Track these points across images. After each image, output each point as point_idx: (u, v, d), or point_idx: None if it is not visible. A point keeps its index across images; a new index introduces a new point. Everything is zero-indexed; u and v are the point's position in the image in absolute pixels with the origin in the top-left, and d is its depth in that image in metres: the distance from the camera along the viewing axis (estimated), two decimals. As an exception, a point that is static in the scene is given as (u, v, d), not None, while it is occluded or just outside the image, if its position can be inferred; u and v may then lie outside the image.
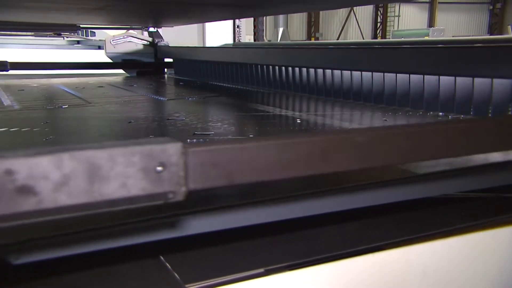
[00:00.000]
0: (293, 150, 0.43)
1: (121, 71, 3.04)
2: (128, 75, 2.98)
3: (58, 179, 0.33)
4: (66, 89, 2.03)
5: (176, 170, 0.38)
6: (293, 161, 0.43)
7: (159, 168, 0.37)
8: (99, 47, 4.62)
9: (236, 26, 5.88)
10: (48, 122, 1.10)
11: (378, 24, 18.82)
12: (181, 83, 2.45)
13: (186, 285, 0.45)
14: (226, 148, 0.40)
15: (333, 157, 0.44)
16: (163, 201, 0.38)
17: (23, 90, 1.99)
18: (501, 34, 17.15)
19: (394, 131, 0.48)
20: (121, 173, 0.36)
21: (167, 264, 0.49)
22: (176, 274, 0.47)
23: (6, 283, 0.46)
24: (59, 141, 0.89)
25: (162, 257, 0.50)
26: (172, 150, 0.37)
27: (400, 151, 0.47)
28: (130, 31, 3.06)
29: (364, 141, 0.45)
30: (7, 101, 1.59)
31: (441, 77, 1.22)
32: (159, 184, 0.37)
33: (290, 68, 1.81)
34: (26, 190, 0.33)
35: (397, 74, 1.36)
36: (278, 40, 11.96)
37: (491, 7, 19.42)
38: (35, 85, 2.23)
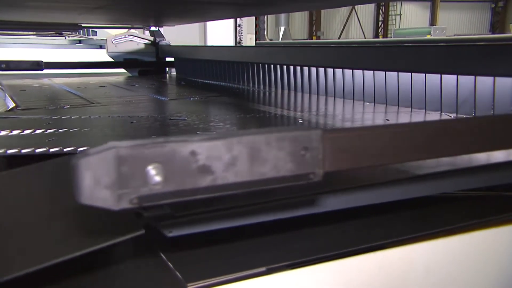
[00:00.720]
0: (411, 137, 0.48)
1: (122, 70, 3.04)
2: (129, 74, 2.98)
3: (228, 160, 0.39)
4: (68, 89, 2.04)
5: (316, 154, 0.43)
6: (410, 147, 0.48)
7: (303, 152, 0.42)
8: (101, 47, 4.63)
9: (237, 25, 5.87)
10: (50, 123, 1.10)
11: (380, 23, 18.80)
12: (182, 82, 2.45)
13: (188, 284, 0.45)
14: (355, 134, 0.46)
15: (445, 144, 0.50)
16: (305, 181, 0.43)
17: (25, 90, 1.99)
18: (503, 32, 17.11)
19: (491, 120, 0.53)
20: (274, 156, 0.41)
21: (169, 263, 0.49)
22: (178, 273, 0.47)
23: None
24: (62, 142, 0.89)
25: (163, 256, 0.50)
26: (314, 135, 0.42)
27: (497, 140, 0.52)
28: (132, 30, 3.06)
29: (464, 129, 0.50)
30: (9, 102, 1.59)
31: (443, 75, 1.22)
32: (303, 166, 0.42)
33: (291, 67, 1.81)
34: (204, 169, 0.38)
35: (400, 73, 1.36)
36: (280, 39, 11.95)
37: (493, 5, 19.38)
38: (36, 85, 2.23)
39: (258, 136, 0.40)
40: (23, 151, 0.79)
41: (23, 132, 0.97)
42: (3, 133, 0.96)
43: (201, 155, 0.38)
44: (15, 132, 0.97)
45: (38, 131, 0.98)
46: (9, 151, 0.79)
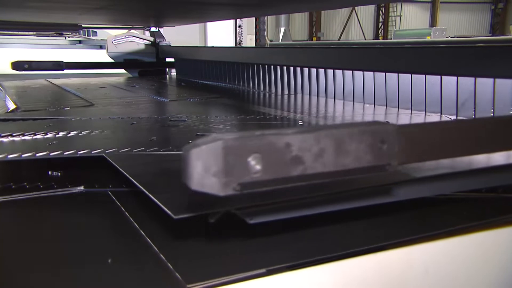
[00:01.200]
0: (479, 132, 0.52)
1: (122, 71, 3.05)
2: (130, 75, 2.98)
3: (316, 151, 0.42)
4: (68, 90, 2.04)
5: (392, 146, 0.46)
6: (477, 141, 0.53)
7: (380, 145, 0.45)
8: (101, 47, 4.63)
9: (237, 26, 5.87)
10: (51, 126, 1.10)
11: (380, 24, 18.81)
12: (182, 83, 2.45)
13: (188, 285, 0.45)
14: (427, 129, 0.50)
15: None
16: (381, 172, 0.46)
17: (25, 91, 1.98)
18: (503, 33, 17.13)
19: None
20: (356, 148, 0.44)
21: (169, 264, 0.49)
22: (177, 274, 0.47)
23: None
24: (63, 145, 0.89)
25: (163, 257, 0.50)
26: (391, 130, 0.46)
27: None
28: (132, 30, 3.06)
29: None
30: (9, 103, 1.59)
31: (443, 77, 1.22)
32: (380, 158, 0.46)
33: (292, 68, 1.81)
34: (297, 160, 0.41)
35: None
36: (280, 40, 11.96)
37: (493, 7, 19.39)
38: (37, 86, 2.23)
39: (343, 130, 0.43)
40: (24, 155, 0.79)
41: (23, 135, 0.97)
42: (4, 135, 0.96)
43: (294, 147, 0.41)
44: (15, 135, 0.97)
45: (38, 134, 0.98)
46: (10, 156, 0.79)
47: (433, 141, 0.50)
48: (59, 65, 2.68)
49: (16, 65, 2.58)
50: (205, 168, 0.39)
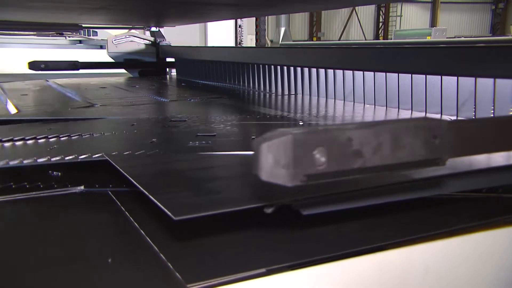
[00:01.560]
0: None
1: (122, 71, 3.05)
2: (130, 75, 2.98)
3: (375, 145, 0.44)
4: (68, 91, 2.04)
5: (444, 141, 0.48)
6: None
7: (433, 139, 0.47)
8: (101, 47, 4.64)
9: (238, 26, 5.88)
10: (52, 129, 1.10)
11: (380, 24, 18.82)
12: (183, 83, 2.45)
13: (188, 285, 0.45)
14: (476, 125, 0.52)
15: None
16: (433, 166, 0.48)
17: (26, 94, 1.97)
18: (503, 34, 17.13)
19: None
20: (411, 142, 0.46)
21: (169, 264, 0.49)
22: (177, 274, 0.47)
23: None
24: (63, 149, 0.88)
25: (163, 257, 0.51)
26: (443, 125, 0.48)
27: None
28: (132, 30, 3.06)
29: None
30: (10, 106, 1.59)
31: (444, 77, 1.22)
32: (432, 152, 0.48)
33: (292, 68, 1.81)
34: (357, 153, 0.44)
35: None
36: (280, 40, 11.96)
37: (493, 7, 19.40)
38: (38, 87, 2.23)
39: (399, 125, 0.46)
40: (25, 161, 0.79)
41: (24, 139, 0.97)
42: (5, 140, 0.96)
43: (355, 141, 0.43)
44: (16, 139, 0.97)
45: (39, 138, 0.98)
46: (11, 163, 0.79)
47: (481, 135, 0.52)
48: (75, 65, 2.76)
49: (33, 65, 2.65)
50: (276, 160, 0.41)
